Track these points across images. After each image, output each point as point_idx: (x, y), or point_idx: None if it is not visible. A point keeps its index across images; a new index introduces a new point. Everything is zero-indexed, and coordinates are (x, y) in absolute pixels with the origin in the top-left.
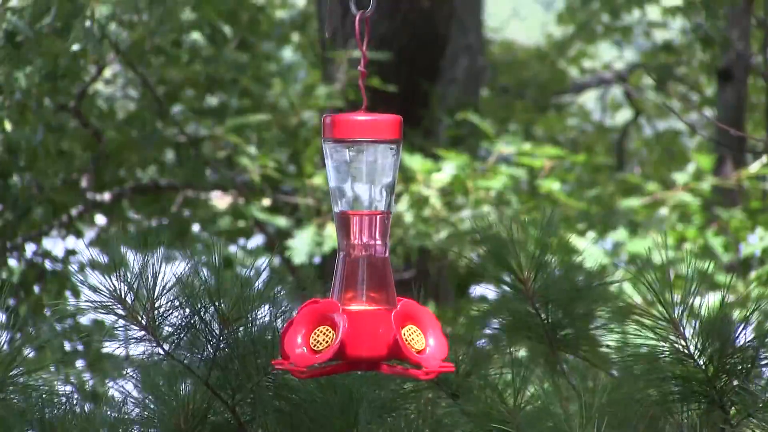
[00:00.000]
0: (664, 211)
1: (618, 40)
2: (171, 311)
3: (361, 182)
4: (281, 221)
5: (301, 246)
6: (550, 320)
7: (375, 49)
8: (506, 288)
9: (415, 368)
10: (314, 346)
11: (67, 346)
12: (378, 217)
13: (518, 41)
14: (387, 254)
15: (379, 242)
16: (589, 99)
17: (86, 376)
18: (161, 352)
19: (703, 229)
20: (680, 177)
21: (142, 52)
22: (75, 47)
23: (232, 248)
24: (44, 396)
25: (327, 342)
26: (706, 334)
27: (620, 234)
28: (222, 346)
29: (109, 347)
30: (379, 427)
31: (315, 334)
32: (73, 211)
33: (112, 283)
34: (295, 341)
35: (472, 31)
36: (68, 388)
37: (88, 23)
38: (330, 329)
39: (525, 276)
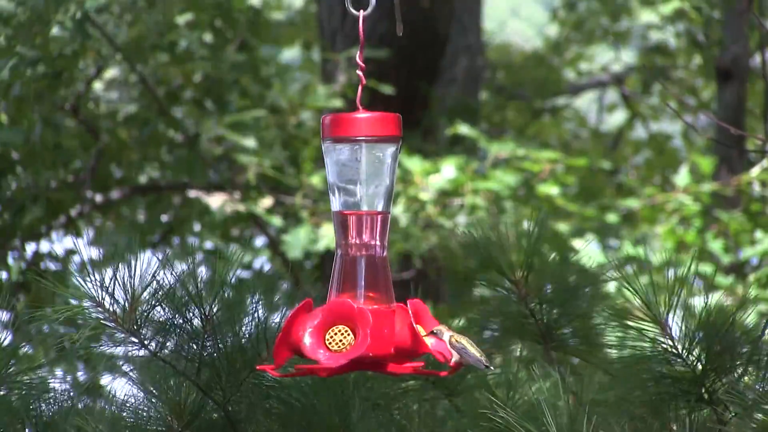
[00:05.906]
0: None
1: (615, 43)
2: (152, 311)
3: (359, 182)
4: (277, 221)
5: (296, 242)
6: (544, 320)
7: (374, 48)
8: (500, 290)
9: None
10: (333, 346)
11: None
12: (376, 217)
13: (517, 42)
14: (385, 254)
15: (377, 242)
16: (585, 101)
17: (80, 373)
18: (147, 352)
19: (703, 232)
20: (680, 180)
21: (140, 49)
22: (56, 32)
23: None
24: (36, 393)
25: (346, 342)
26: (693, 335)
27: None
28: (208, 345)
29: (97, 349)
30: (370, 426)
31: (331, 334)
32: (73, 212)
33: (91, 289)
34: (314, 341)
35: (472, 32)
36: (64, 385)
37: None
38: (347, 329)
39: (517, 278)
